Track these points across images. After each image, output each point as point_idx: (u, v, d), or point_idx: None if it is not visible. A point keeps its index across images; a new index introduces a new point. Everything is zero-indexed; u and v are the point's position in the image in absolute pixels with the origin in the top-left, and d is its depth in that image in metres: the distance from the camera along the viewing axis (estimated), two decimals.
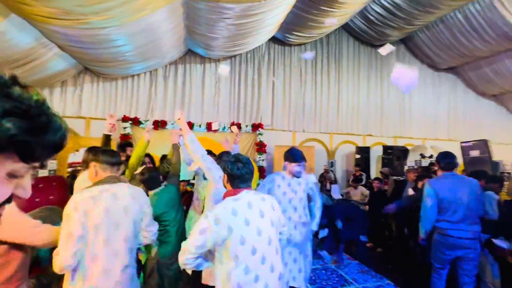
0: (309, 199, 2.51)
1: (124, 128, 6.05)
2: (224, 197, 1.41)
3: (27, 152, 0.37)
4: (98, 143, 5.42)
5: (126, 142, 3.38)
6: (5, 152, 0.35)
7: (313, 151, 7.23)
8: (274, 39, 7.21)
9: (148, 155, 2.91)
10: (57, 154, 0.42)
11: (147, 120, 6.25)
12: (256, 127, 6.94)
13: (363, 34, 7.86)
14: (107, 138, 2.61)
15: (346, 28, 7.98)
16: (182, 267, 1.34)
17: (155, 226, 1.67)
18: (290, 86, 7.50)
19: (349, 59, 8.10)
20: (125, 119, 6.10)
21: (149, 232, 1.61)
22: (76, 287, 1.28)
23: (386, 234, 4.45)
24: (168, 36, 5.11)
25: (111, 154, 1.57)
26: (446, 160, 2.44)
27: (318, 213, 2.48)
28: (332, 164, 7.62)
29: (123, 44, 4.54)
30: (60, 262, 1.23)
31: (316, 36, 7.24)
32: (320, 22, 6.18)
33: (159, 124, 6.29)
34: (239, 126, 6.80)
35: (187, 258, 1.28)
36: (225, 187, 1.47)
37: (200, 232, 1.26)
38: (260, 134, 6.93)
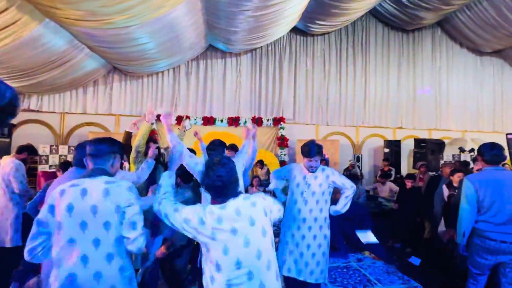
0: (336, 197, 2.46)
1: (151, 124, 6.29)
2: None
3: None
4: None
5: (149, 138, 3.47)
6: None
7: (338, 145, 6.95)
8: (295, 30, 6.98)
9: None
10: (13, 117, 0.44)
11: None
12: (277, 121, 6.83)
13: (393, 19, 7.29)
14: (128, 135, 2.70)
15: (374, 13, 7.46)
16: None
17: (129, 233, 1.26)
18: (313, 78, 7.24)
19: (377, 47, 7.59)
20: None
21: (127, 239, 1.26)
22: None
23: (418, 235, 4.12)
24: (189, 32, 5.17)
25: (96, 142, 1.41)
26: (492, 152, 2.11)
27: (343, 199, 2.40)
28: (358, 159, 7.27)
29: (146, 42, 4.68)
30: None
31: (341, 24, 6.86)
32: (345, 8, 5.83)
33: (182, 119, 6.45)
34: (259, 120, 6.74)
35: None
36: None
37: (184, 220, 1.20)
38: (281, 128, 6.82)
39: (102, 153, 1.38)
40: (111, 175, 1.39)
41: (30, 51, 4.13)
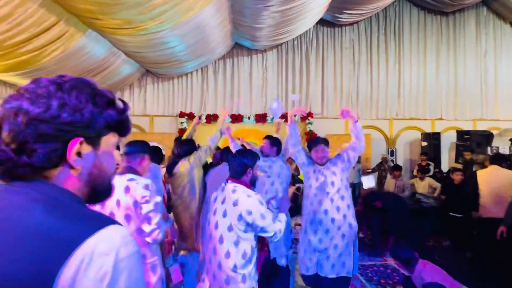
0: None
1: (181, 123, 6.57)
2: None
3: (123, 128, 0.55)
4: (161, 138, 5.97)
5: (183, 138, 3.63)
6: (112, 131, 0.53)
7: (369, 140, 6.65)
8: (322, 22, 6.76)
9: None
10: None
11: (201, 115, 6.65)
12: (305, 116, 6.72)
13: (431, 2, 6.73)
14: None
15: None
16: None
17: (145, 226, 1.41)
18: (341, 70, 6.98)
19: (412, 33, 7.08)
20: (181, 114, 6.62)
21: (144, 232, 1.41)
22: None
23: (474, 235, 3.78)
24: (216, 32, 5.28)
25: (128, 144, 1.60)
26: None
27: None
28: (392, 153, 6.90)
29: (176, 45, 4.88)
30: None
31: (371, 12, 6.51)
32: None
33: (211, 118, 6.63)
34: (286, 117, 6.68)
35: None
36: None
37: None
38: (309, 123, 6.70)
39: (131, 152, 1.57)
40: (137, 172, 1.55)
41: (75, 61, 4.51)
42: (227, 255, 1.42)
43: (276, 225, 1.50)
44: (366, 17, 6.79)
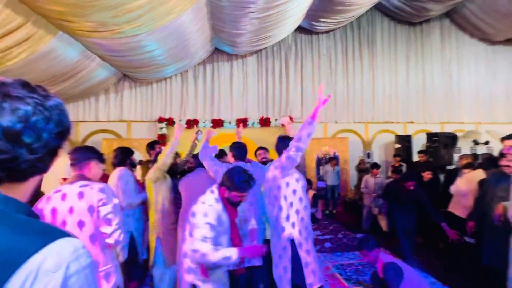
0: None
1: (160, 128, 6.43)
2: None
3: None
4: (138, 144, 5.78)
5: (155, 141, 3.57)
6: None
7: (347, 143, 6.91)
8: (300, 29, 6.98)
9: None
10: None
11: (181, 120, 6.55)
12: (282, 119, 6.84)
13: (400, 12, 7.18)
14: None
15: (380, 7, 7.37)
16: None
17: (106, 228, 1.43)
18: (319, 76, 7.22)
19: (384, 42, 7.50)
20: (160, 120, 6.48)
21: (104, 234, 1.44)
22: None
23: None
24: (195, 37, 5.26)
25: (72, 152, 1.57)
26: None
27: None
28: (368, 156, 7.20)
29: (154, 48, 4.79)
30: None
31: (346, 21, 6.82)
32: (349, 4, 5.80)
33: (192, 123, 6.55)
34: (267, 121, 6.77)
35: None
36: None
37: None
38: None
39: (78, 161, 1.55)
40: (88, 179, 1.54)
41: (45, 64, 4.29)
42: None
43: (204, 246, 1.39)
44: (341, 26, 7.10)
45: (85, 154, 1.59)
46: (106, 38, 4.06)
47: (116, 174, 2.51)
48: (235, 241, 1.59)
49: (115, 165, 2.60)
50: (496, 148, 6.05)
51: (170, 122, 6.50)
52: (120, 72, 6.19)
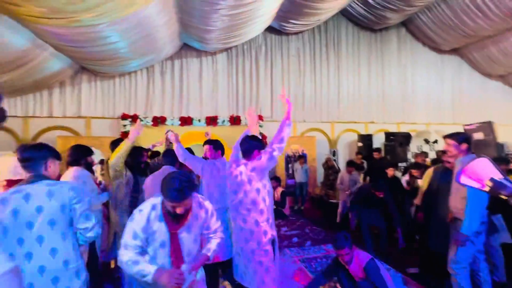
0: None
1: (124, 126, 6.07)
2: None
3: None
4: (98, 142, 5.42)
5: (119, 139, 3.37)
6: None
7: (314, 141, 7.19)
8: (270, 29, 7.08)
9: (144, 149, 2.93)
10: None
11: (146, 117, 6.26)
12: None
13: (362, 19, 7.65)
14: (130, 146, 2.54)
15: (345, 13, 7.78)
16: None
17: (86, 224, 1.44)
18: (288, 76, 7.40)
19: (348, 46, 7.92)
20: (124, 116, 6.12)
21: (80, 230, 1.44)
22: None
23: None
24: (162, 31, 5.05)
25: (22, 151, 1.45)
26: (470, 140, 2.28)
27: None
28: (334, 153, 7.57)
29: (116, 40, 4.51)
30: None
31: (314, 23, 7.08)
32: (316, 8, 6.02)
33: (159, 121, 6.30)
34: (237, 119, 6.77)
35: None
36: None
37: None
38: (260, 126, 6.89)
39: (31, 160, 1.43)
40: (50, 178, 1.45)
41: None
42: None
43: (124, 253, 1.33)
44: (309, 28, 7.35)
45: (39, 152, 1.46)
46: (60, 27, 3.71)
47: (70, 174, 2.31)
48: (172, 257, 1.38)
49: (69, 164, 2.39)
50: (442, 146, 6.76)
51: (135, 119, 6.17)
52: (78, 64, 5.71)
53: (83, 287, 1.43)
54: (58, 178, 2.36)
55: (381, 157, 5.76)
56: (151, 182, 2.37)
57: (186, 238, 1.41)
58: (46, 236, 1.34)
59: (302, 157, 6.59)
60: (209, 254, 1.50)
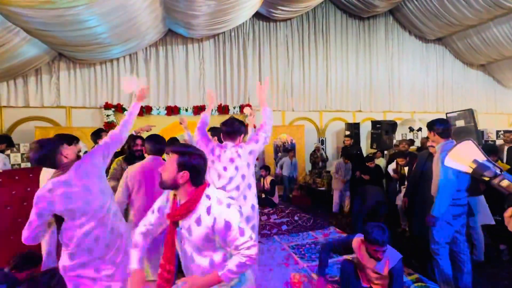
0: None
1: (107, 116, 5.85)
2: (199, 194, 1.19)
3: None
4: (80, 133, 5.22)
5: (99, 129, 3.26)
6: None
7: (303, 130, 7.22)
8: (258, 15, 6.91)
9: (140, 137, 2.82)
10: None
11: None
12: (244, 108, 6.81)
13: (351, 6, 7.59)
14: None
15: (333, 0, 7.69)
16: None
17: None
18: (277, 64, 7.30)
19: (337, 33, 7.87)
20: (107, 106, 5.88)
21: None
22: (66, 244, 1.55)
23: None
24: (144, 15, 4.80)
25: (36, 151, 1.53)
26: (446, 125, 2.32)
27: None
28: (322, 142, 7.65)
29: (95, 25, 4.24)
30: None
31: (302, 10, 6.95)
32: None
33: (144, 110, 6.10)
34: (225, 108, 6.67)
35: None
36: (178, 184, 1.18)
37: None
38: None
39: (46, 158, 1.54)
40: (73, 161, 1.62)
41: None
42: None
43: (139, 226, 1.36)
44: (298, 15, 7.22)
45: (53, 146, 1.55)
46: (32, 8, 3.44)
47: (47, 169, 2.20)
48: (164, 254, 1.25)
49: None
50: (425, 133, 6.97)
51: (119, 108, 5.94)
52: (55, 51, 5.38)
53: None
54: (37, 171, 2.26)
55: (351, 144, 6.00)
56: (141, 174, 2.24)
57: (187, 237, 1.19)
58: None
59: (291, 151, 6.55)
60: (220, 272, 1.13)
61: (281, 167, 6.48)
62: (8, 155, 4.94)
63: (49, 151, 1.50)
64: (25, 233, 1.47)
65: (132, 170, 2.25)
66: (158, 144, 2.35)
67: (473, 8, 6.95)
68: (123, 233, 1.69)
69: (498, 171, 0.91)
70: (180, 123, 3.01)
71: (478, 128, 4.84)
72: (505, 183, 0.89)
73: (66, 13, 3.69)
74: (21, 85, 5.55)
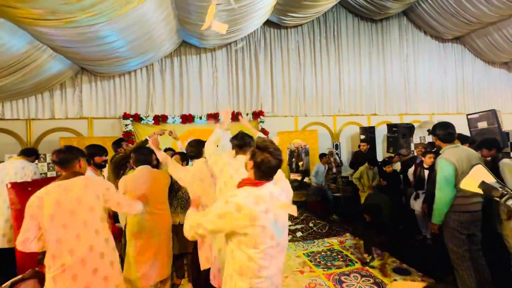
0: None
1: (126, 125, 6.10)
2: (243, 184, 1.35)
3: None
4: (101, 142, 5.50)
5: (120, 138, 3.43)
6: None
7: (316, 135, 7.16)
8: (269, 23, 7.00)
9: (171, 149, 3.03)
10: None
11: (148, 116, 6.28)
12: (257, 114, 6.88)
13: (362, 9, 7.52)
14: (142, 142, 2.84)
15: (344, 4, 7.66)
16: (189, 237, 1.37)
17: (124, 208, 1.84)
18: (289, 70, 7.34)
19: (348, 37, 7.81)
20: (125, 116, 6.14)
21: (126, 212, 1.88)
22: (49, 264, 1.60)
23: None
24: (160, 28, 5.02)
25: (58, 152, 1.74)
26: (447, 130, 2.26)
27: None
28: (336, 147, 7.53)
29: (114, 40, 4.49)
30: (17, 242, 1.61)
31: (313, 16, 6.98)
32: (315, 0, 5.93)
33: (160, 119, 6.31)
34: (238, 115, 6.75)
35: (197, 233, 1.33)
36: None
37: (219, 216, 1.26)
38: (261, 121, 6.88)
39: (67, 160, 1.74)
40: (83, 174, 1.80)
41: None
42: None
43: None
44: (308, 21, 7.25)
45: (72, 153, 1.78)
46: (57, 28, 3.70)
47: None
48: None
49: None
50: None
51: (137, 118, 6.18)
52: (77, 65, 5.72)
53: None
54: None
55: (367, 149, 5.72)
56: (132, 183, 2.31)
57: None
58: (91, 221, 1.66)
59: (325, 156, 6.03)
60: None
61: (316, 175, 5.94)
62: (36, 165, 5.25)
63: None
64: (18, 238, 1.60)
65: (128, 181, 2.36)
66: (145, 155, 2.48)
67: (492, 4, 6.68)
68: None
69: (505, 191, 1.02)
70: (169, 135, 3.15)
71: (503, 130, 4.59)
72: (510, 201, 1.00)
73: (87, 31, 3.93)
74: (48, 98, 5.93)
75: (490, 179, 1.06)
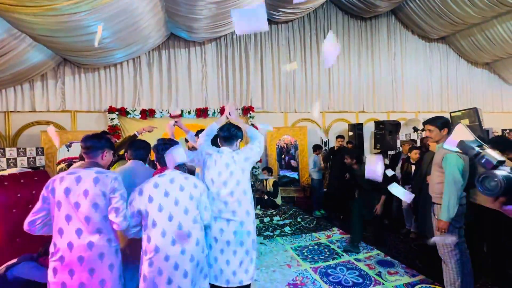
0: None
1: (112, 119, 5.92)
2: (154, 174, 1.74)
3: None
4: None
5: (103, 131, 3.32)
6: None
7: (306, 132, 7.20)
8: None
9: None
10: None
11: (135, 110, 6.12)
12: (246, 110, 6.84)
13: (352, 7, 7.58)
14: (131, 137, 2.73)
15: (335, 1, 7.69)
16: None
17: (115, 217, 1.56)
18: (279, 66, 7.32)
19: (338, 34, 7.86)
20: (111, 110, 5.96)
21: (113, 221, 1.57)
22: (51, 251, 1.56)
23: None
24: (147, 19, 4.87)
25: (85, 141, 1.70)
26: (450, 125, 2.30)
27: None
28: (325, 144, 7.61)
29: None
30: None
31: (303, 12, 6.97)
32: None
33: (147, 113, 6.17)
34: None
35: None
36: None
37: (129, 203, 1.65)
38: (251, 117, 6.85)
39: (92, 148, 1.68)
40: (103, 166, 1.71)
41: None
42: None
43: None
44: (299, 16, 7.24)
45: (99, 142, 1.71)
46: (36, 15, 3.52)
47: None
48: None
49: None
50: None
51: (123, 112, 6.02)
52: (60, 56, 5.48)
53: (120, 264, 1.65)
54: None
55: (341, 146, 5.44)
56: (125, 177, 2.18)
57: None
58: (93, 218, 1.55)
59: (319, 147, 5.88)
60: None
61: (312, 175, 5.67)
62: (15, 159, 5.04)
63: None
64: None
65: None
66: (142, 150, 2.25)
67: (476, 6, 6.88)
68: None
69: (480, 150, 1.06)
70: (175, 120, 2.80)
71: (483, 127, 4.77)
72: (483, 159, 1.03)
73: (69, 19, 3.76)
74: (28, 90, 5.66)
75: (470, 138, 1.10)
